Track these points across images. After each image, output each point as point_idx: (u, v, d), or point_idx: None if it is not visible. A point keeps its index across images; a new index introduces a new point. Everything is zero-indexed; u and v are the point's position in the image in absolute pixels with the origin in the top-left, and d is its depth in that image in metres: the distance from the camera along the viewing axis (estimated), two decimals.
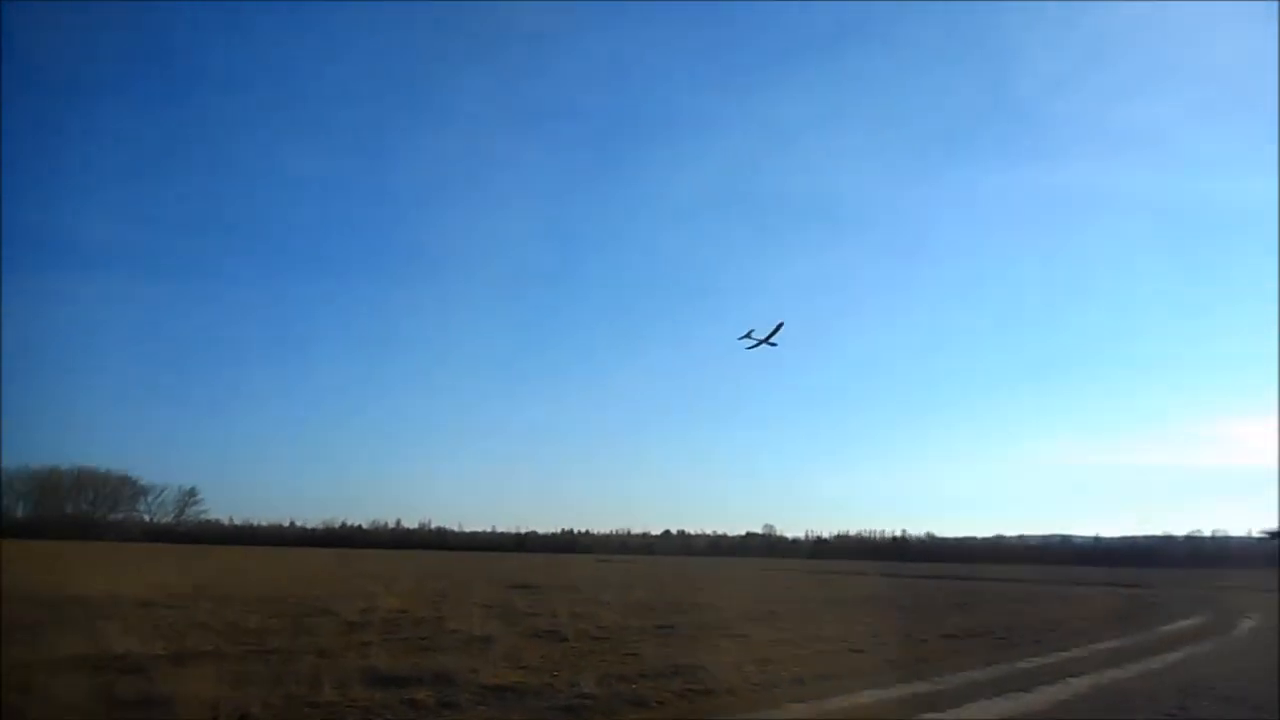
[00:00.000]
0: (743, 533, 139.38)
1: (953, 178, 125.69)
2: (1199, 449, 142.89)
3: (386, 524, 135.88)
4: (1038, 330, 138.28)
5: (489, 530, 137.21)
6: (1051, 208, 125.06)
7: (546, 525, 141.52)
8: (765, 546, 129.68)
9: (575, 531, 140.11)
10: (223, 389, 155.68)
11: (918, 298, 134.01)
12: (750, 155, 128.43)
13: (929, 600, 34.08)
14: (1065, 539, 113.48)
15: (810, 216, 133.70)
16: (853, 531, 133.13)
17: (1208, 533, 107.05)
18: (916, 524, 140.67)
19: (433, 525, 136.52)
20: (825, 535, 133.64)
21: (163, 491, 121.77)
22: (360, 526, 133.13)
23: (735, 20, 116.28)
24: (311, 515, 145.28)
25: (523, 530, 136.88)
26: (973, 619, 25.33)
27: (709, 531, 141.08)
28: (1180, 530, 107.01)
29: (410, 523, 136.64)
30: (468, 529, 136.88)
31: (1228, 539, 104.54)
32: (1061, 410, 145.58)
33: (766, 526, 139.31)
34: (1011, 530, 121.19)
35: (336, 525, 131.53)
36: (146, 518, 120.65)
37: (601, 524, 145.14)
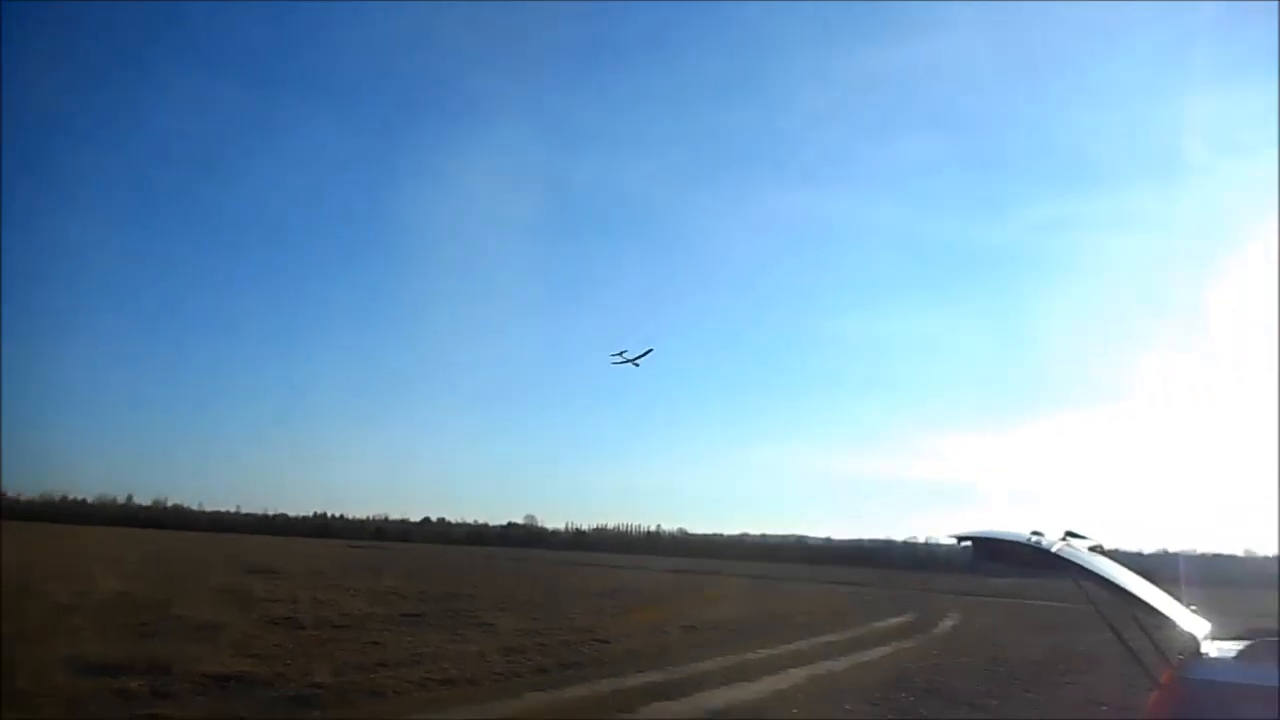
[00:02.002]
0: (504, 522, 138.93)
1: (726, 194, 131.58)
2: (918, 462, 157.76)
3: (115, 499, 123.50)
4: (790, 344, 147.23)
5: (233, 510, 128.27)
6: (812, 231, 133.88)
7: (298, 508, 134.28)
8: (526, 537, 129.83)
9: (329, 515, 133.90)
10: None
11: (684, 303, 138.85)
12: (535, 148, 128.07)
13: (675, 592, 35.55)
14: (801, 539, 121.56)
15: (587, 213, 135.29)
16: (611, 525, 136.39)
17: (922, 539, 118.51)
18: (670, 519, 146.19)
19: (169, 503, 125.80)
20: (585, 528, 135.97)
21: None
22: (84, 501, 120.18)
23: (533, 13, 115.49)
24: (26, 486, 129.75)
25: (271, 512, 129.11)
26: (712, 612, 26.72)
27: (470, 520, 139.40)
28: (899, 535, 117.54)
29: (144, 499, 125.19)
30: (209, 508, 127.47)
31: (938, 545, 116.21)
32: (803, 421, 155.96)
33: (528, 517, 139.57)
34: (755, 529, 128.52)
35: (56, 498, 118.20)
36: None
37: (357, 509, 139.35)
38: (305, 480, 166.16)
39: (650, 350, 35.72)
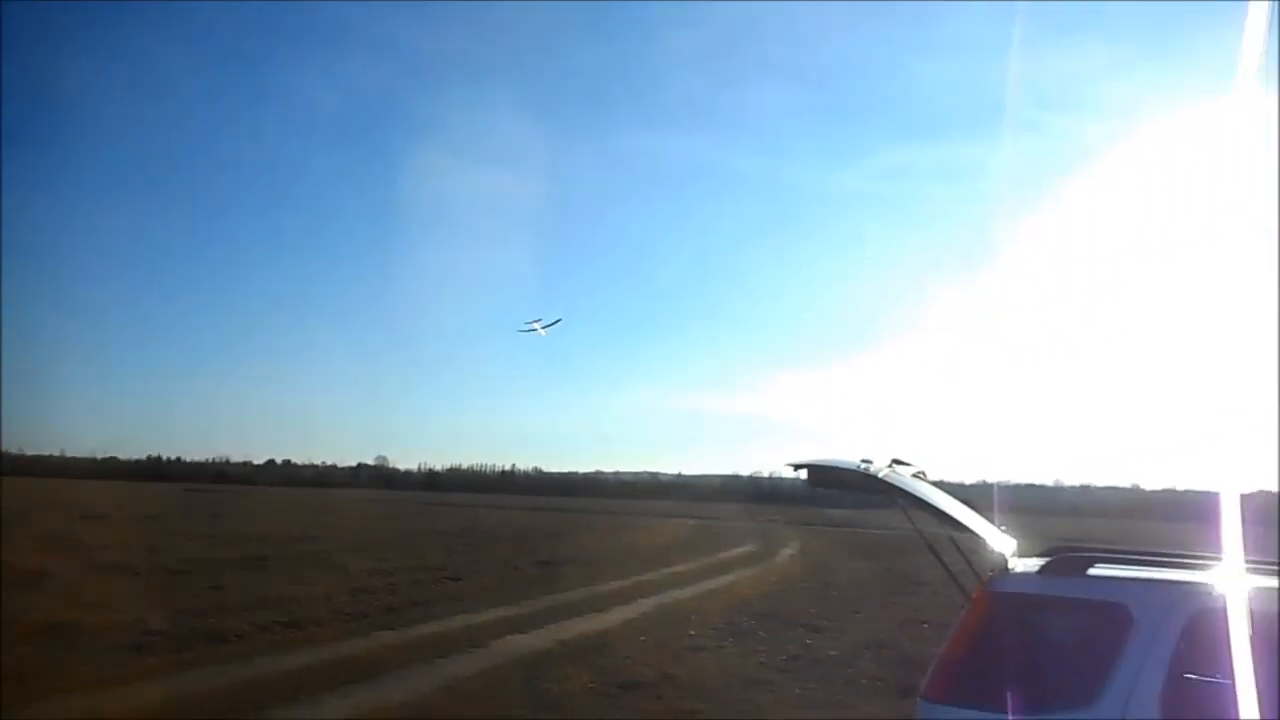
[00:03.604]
0: (353, 464, 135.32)
1: (585, 132, 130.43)
2: (765, 399, 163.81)
3: None
4: (643, 284, 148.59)
5: (57, 454, 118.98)
6: (670, 174, 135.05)
7: (129, 450, 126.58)
8: (377, 478, 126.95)
9: (164, 458, 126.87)
10: None
11: (536, 240, 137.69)
12: (387, 77, 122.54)
13: (529, 530, 35.86)
14: (653, 475, 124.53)
15: (439, 144, 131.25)
16: (465, 465, 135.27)
17: (766, 473, 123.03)
18: (525, 459, 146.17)
19: None
20: (438, 468, 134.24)
21: None
22: None
23: None
24: None
25: (100, 456, 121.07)
26: (566, 547, 27.18)
27: (317, 462, 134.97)
28: (745, 470, 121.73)
29: None
30: (30, 452, 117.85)
31: (781, 478, 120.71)
32: (654, 361, 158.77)
33: (379, 458, 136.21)
34: (608, 467, 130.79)
35: None
36: None
37: (195, 451, 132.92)
38: (137, 422, 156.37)
39: (559, 320, 36.94)
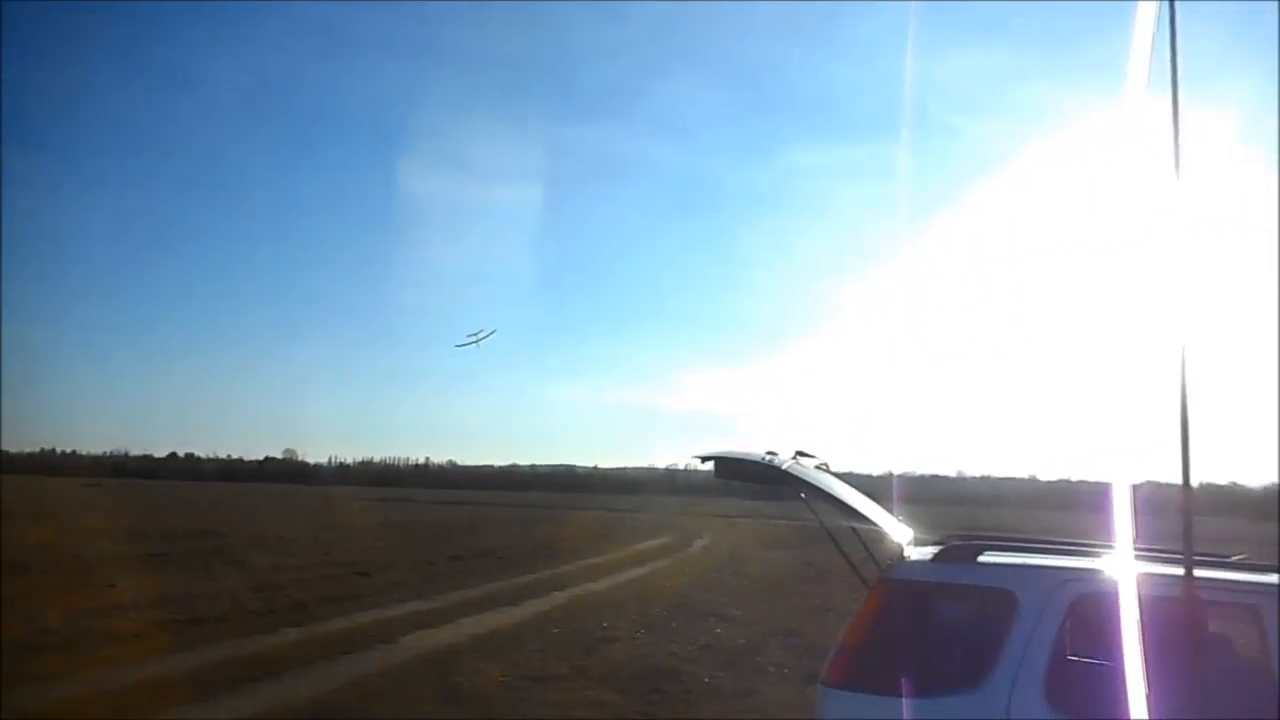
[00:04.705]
0: (260, 457, 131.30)
1: (507, 119, 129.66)
2: (679, 394, 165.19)
3: None
4: (556, 280, 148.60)
5: None
6: (588, 166, 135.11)
7: (19, 443, 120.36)
8: (286, 472, 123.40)
9: (57, 451, 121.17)
10: None
11: (457, 231, 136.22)
12: (300, 55, 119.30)
13: (442, 524, 35.44)
14: (569, 468, 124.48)
15: (362, 127, 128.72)
16: (377, 458, 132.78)
17: (682, 466, 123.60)
18: (439, 452, 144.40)
19: None
20: (349, 461, 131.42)
21: None
22: None
23: None
24: None
25: None
26: (480, 541, 26.99)
27: (223, 455, 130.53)
28: (661, 463, 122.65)
29: None
30: None
31: (696, 471, 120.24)
32: (571, 354, 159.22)
33: (287, 451, 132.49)
34: (524, 460, 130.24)
35: None
36: None
37: (92, 443, 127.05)
38: (27, 412, 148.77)
39: (495, 331, 36.65)
